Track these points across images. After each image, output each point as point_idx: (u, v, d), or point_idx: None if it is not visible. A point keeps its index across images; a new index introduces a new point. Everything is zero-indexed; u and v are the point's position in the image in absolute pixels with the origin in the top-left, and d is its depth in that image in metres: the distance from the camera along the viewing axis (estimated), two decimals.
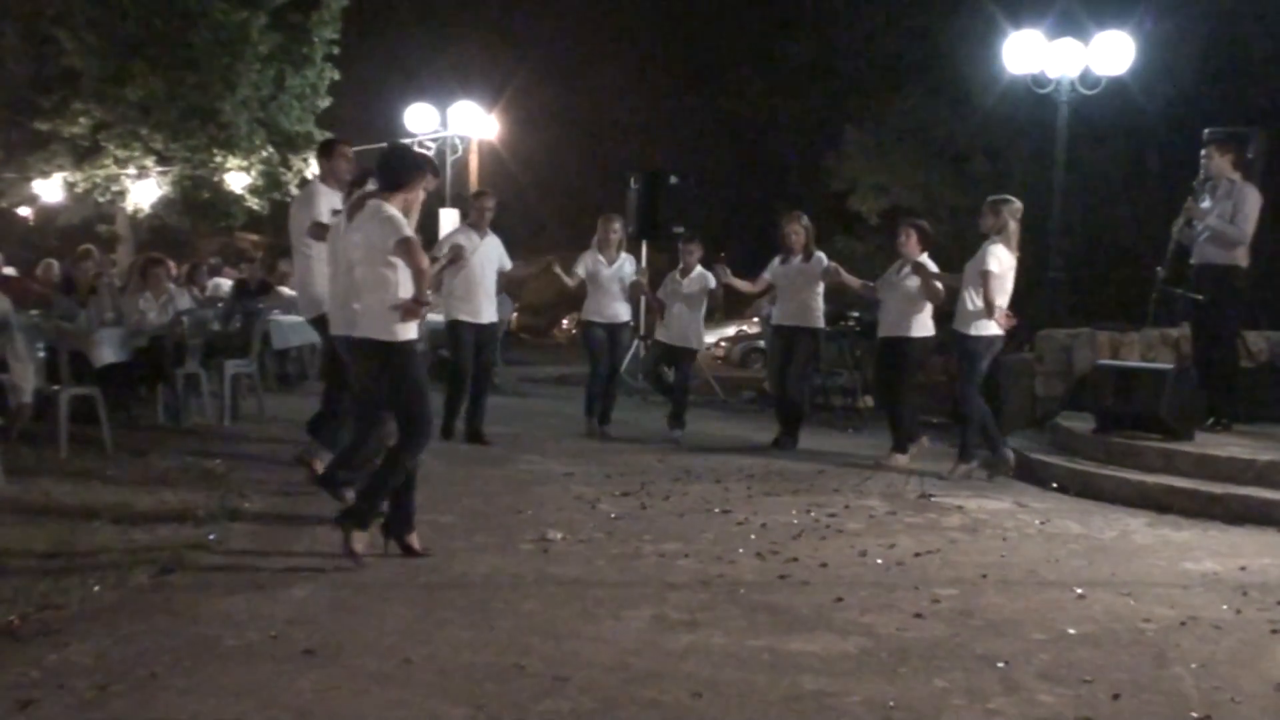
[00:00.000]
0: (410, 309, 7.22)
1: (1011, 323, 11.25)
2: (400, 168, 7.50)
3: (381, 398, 7.48)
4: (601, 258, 13.52)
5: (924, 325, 12.19)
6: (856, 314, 17.38)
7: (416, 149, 7.58)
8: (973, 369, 11.18)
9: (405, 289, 7.22)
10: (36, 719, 4.75)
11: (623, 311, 13.80)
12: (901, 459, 12.05)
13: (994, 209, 11.24)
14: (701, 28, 45.25)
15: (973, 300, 11.03)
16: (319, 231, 9.21)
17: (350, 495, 7.81)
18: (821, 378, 17.41)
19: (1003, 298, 10.99)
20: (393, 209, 7.26)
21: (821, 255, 13.20)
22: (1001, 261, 10.97)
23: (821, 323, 13.35)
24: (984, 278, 10.93)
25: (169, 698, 4.98)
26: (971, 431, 11.35)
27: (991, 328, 11.04)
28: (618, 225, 13.75)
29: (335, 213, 8.61)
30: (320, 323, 9.31)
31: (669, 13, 46.14)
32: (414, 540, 7.50)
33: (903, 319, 12.11)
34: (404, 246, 7.13)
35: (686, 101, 44.88)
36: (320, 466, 9.01)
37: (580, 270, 13.47)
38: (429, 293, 7.44)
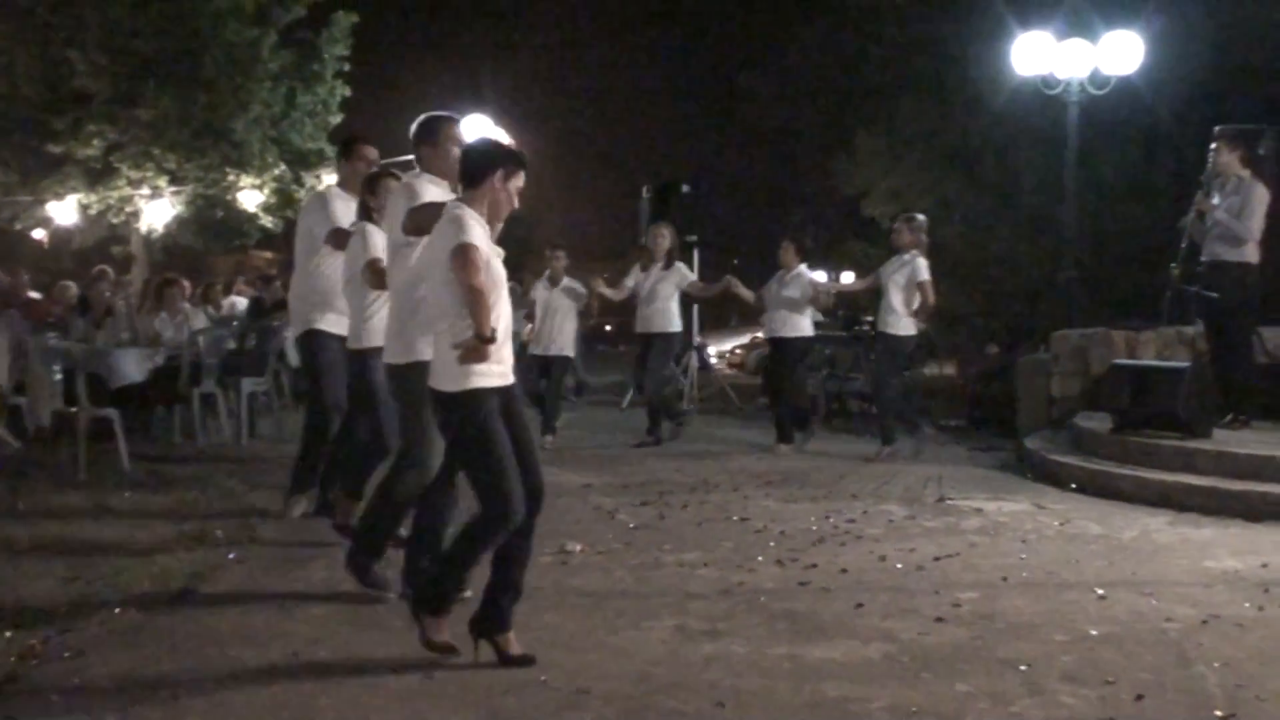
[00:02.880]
0: (472, 349, 5.50)
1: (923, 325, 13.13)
2: (478, 157, 5.89)
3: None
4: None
5: (803, 328, 13.63)
6: (871, 319, 17.39)
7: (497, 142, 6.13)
8: (894, 363, 12.88)
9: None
10: None
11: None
12: (785, 448, 13.42)
13: (910, 227, 12.88)
14: (712, 36, 45.34)
15: (898, 304, 12.57)
16: (340, 239, 8.36)
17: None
18: (838, 382, 17.46)
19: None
20: (466, 211, 5.67)
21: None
22: (929, 270, 12.66)
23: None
24: (922, 287, 12.54)
25: (192, 718, 4.99)
26: (891, 419, 12.88)
27: (913, 327, 12.71)
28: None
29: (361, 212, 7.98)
30: (305, 341, 9.01)
31: (680, 22, 46.25)
32: (511, 642, 5.76)
33: (786, 322, 13.50)
34: (459, 255, 5.48)
35: (698, 110, 45.01)
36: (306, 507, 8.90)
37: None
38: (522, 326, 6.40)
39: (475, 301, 5.44)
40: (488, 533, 5.57)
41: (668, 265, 13.78)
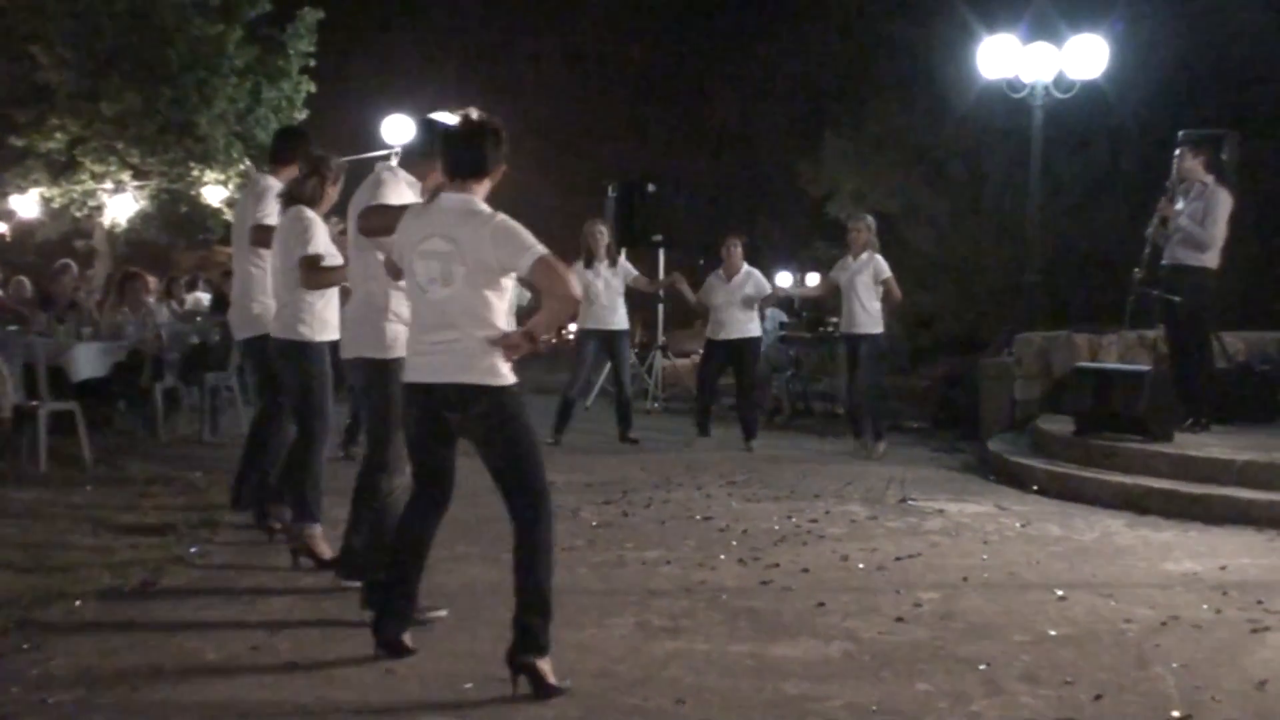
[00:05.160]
0: (517, 344, 5.42)
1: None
2: (495, 146, 5.61)
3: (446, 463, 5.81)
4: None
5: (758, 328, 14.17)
6: (836, 320, 17.42)
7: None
8: (880, 363, 13.11)
9: (503, 319, 5.46)
10: None
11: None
12: (700, 442, 13.82)
13: (868, 226, 13.24)
14: (677, 37, 45.32)
15: (874, 304, 12.83)
16: (263, 237, 8.22)
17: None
18: (802, 383, 17.50)
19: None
20: (503, 215, 5.46)
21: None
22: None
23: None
24: (889, 283, 12.83)
25: (152, 711, 4.98)
26: (879, 415, 13.19)
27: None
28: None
29: (330, 218, 7.80)
30: (257, 345, 8.39)
31: (645, 22, 46.20)
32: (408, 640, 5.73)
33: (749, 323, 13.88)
34: (546, 267, 5.29)
35: (664, 110, 44.94)
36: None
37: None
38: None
39: (569, 307, 5.46)
40: (548, 529, 5.46)
41: (613, 262, 13.84)
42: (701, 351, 15.23)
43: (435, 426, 5.57)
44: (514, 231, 5.34)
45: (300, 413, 7.81)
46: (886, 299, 12.79)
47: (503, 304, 5.44)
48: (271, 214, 8.18)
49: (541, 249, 5.27)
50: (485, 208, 5.46)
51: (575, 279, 5.44)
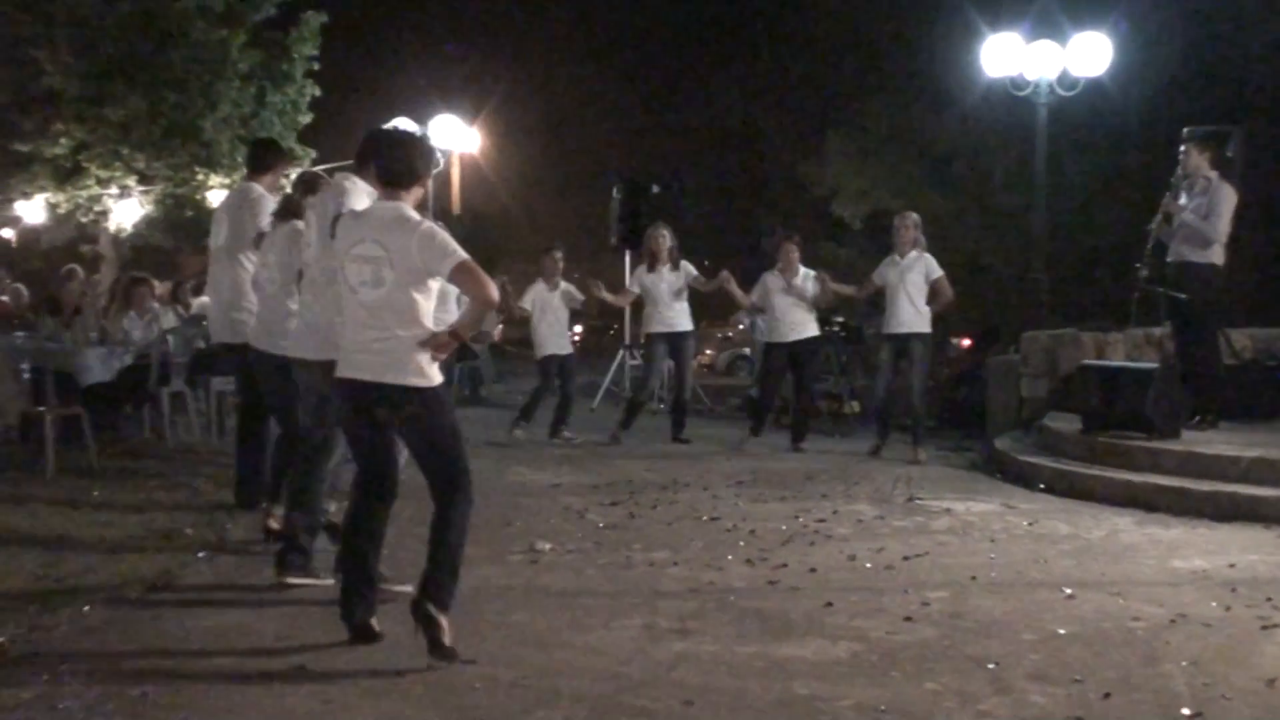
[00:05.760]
0: (444, 343, 5.83)
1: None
2: (419, 158, 6.03)
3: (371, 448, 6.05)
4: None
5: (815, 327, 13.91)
6: (842, 319, 17.43)
7: (424, 135, 6.35)
8: (930, 364, 12.84)
9: (430, 319, 5.85)
10: None
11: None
12: (743, 439, 13.75)
13: (915, 223, 12.92)
14: (681, 37, 45.32)
15: (922, 302, 12.63)
16: (262, 242, 8.54)
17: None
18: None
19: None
20: (430, 220, 5.97)
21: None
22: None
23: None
24: (939, 281, 12.63)
25: (160, 716, 4.98)
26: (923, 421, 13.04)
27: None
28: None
29: (280, 217, 8.16)
30: (241, 350, 8.64)
31: (649, 23, 46.20)
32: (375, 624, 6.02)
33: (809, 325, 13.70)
34: (466, 272, 5.68)
35: (668, 110, 44.93)
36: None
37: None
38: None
39: (487, 308, 5.90)
40: (467, 509, 5.91)
41: (675, 265, 13.87)
42: (763, 354, 15.19)
43: (367, 419, 5.92)
44: (438, 238, 5.74)
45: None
46: (935, 298, 12.70)
47: (429, 305, 5.83)
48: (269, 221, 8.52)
49: (462, 255, 5.70)
50: (414, 215, 5.84)
51: (493, 285, 5.81)
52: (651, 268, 13.77)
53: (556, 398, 14.25)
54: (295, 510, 7.19)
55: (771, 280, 13.75)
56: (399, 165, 5.92)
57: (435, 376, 5.84)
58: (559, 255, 14.36)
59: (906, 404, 13.13)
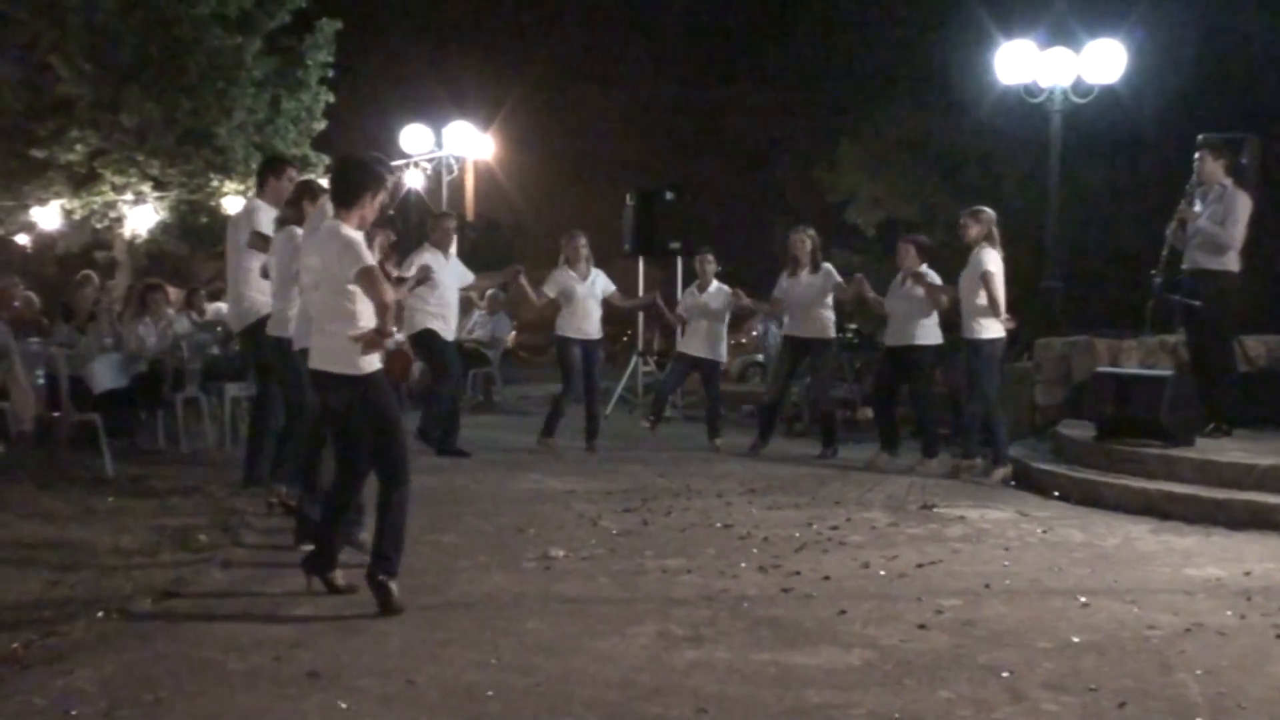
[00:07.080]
0: (372, 340, 6.71)
1: (1012, 324, 11.98)
2: (357, 181, 6.90)
3: (338, 428, 7.11)
4: (574, 274, 13.60)
5: (932, 334, 12.84)
6: (854, 326, 17.41)
7: (374, 159, 7.17)
8: (990, 371, 11.79)
9: (367, 319, 6.74)
10: None
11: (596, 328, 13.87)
12: (933, 463, 12.60)
13: (975, 218, 12.09)
14: (696, 45, 45.34)
15: (982, 305, 11.68)
16: (260, 242, 9.59)
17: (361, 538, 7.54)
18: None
19: (1002, 297, 11.66)
20: (352, 232, 6.77)
21: (829, 267, 13.65)
22: (997, 262, 11.79)
23: (833, 333, 13.80)
24: (986, 279, 11.65)
25: None
26: (976, 432, 12.08)
27: (998, 329, 11.78)
28: (583, 240, 13.90)
29: (281, 223, 9.00)
30: (249, 335, 9.99)
31: (663, 31, 46.22)
32: (338, 578, 7.04)
33: (911, 328, 12.64)
34: (365, 277, 6.66)
35: (682, 118, 44.93)
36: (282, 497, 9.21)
37: (550, 290, 13.61)
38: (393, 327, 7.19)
39: (384, 311, 6.74)
40: (403, 487, 6.83)
41: (815, 269, 13.67)
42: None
43: (325, 401, 7.09)
44: (353, 248, 6.70)
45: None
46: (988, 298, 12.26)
47: (357, 306, 6.73)
48: (264, 225, 9.65)
49: (365, 263, 6.67)
50: (345, 231, 6.77)
51: (388, 289, 6.90)
52: (793, 273, 13.61)
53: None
54: (299, 486, 8.22)
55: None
56: (338, 187, 6.95)
57: (366, 367, 6.77)
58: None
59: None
